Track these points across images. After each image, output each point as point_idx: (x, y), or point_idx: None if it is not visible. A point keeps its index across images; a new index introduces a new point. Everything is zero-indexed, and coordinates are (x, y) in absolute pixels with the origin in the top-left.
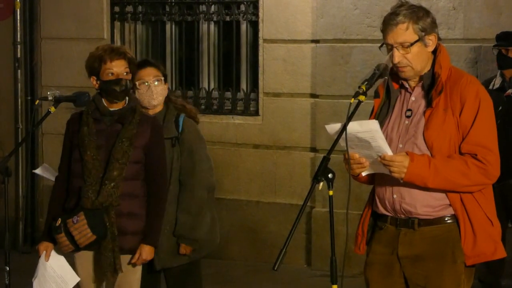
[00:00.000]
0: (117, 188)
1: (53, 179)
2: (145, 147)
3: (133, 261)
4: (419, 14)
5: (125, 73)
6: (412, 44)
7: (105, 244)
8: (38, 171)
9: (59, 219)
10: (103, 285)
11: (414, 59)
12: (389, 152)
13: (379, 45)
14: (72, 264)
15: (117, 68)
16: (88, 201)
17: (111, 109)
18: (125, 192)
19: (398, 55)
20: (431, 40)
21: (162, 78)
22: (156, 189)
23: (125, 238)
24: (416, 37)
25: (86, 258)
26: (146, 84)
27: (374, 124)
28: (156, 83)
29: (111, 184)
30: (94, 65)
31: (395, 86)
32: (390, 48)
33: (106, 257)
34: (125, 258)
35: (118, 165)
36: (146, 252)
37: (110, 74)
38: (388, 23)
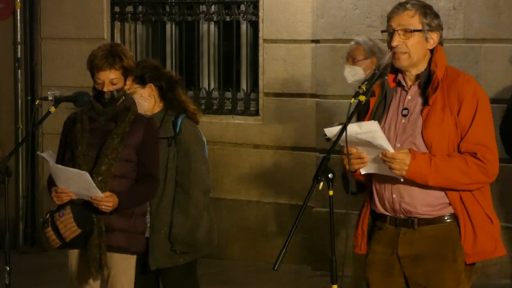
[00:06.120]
0: (104, 183)
1: None
2: (137, 147)
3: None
4: (428, 10)
5: (111, 84)
6: (414, 31)
7: (91, 240)
8: (44, 154)
9: (48, 213)
10: (98, 284)
11: (412, 47)
12: (390, 150)
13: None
14: (66, 263)
15: (104, 77)
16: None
17: (105, 108)
18: (114, 189)
19: (398, 39)
20: (432, 38)
21: (136, 87)
22: (146, 184)
23: (113, 234)
24: (420, 27)
25: (78, 256)
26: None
27: (374, 125)
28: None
29: (98, 179)
30: (89, 67)
31: (391, 84)
32: (391, 33)
33: (92, 253)
34: (116, 260)
35: (107, 161)
36: (111, 198)
37: (98, 83)
38: (395, 8)
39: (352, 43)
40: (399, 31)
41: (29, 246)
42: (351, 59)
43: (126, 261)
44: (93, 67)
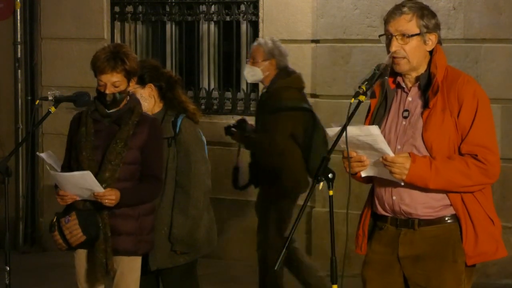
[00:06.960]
0: None
1: (55, 166)
2: (140, 148)
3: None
4: (425, 11)
5: (114, 86)
6: (411, 36)
7: (97, 245)
8: (42, 155)
9: (55, 216)
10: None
11: (411, 52)
12: (390, 154)
13: (379, 45)
14: (72, 263)
15: (106, 80)
16: (80, 202)
17: (109, 110)
18: None
19: (396, 44)
20: (431, 40)
21: (136, 87)
22: (149, 184)
23: (119, 238)
24: (418, 31)
25: (84, 256)
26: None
27: (374, 129)
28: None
29: (103, 185)
30: (92, 68)
31: (392, 86)
32: (389, 38)
33: (98, 258)
34: (122, 259)
35: (110, 167)
36: (112, 191)
37: (100, 85)
38: (392, 12)
39: (255, 43)
40: (397, 36)
41: (29, 246)
42: (252, 59)
43: (133, 261)
44: (96, 69)
